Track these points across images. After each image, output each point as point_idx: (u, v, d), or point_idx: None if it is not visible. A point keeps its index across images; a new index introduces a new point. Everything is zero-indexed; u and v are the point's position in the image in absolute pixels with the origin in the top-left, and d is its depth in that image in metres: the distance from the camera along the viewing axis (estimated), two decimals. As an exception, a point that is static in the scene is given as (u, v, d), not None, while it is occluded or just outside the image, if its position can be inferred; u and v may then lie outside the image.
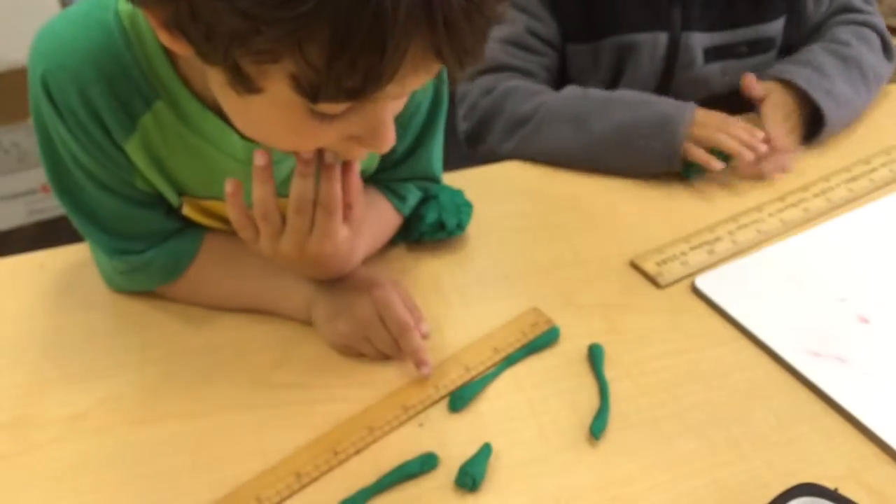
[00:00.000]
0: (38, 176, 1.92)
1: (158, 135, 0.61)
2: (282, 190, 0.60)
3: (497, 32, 0.98)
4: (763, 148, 0.86)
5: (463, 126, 0.99)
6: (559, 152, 0.91)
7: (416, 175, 0.76)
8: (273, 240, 0.62)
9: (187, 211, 0.68)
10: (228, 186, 0.59)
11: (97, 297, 0.72)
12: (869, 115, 1.02)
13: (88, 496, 0.57)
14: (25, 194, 1.93)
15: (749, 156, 0.85)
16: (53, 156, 0.62)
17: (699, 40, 0.99)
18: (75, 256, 0.76)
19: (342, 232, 0.62)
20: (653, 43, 0.98)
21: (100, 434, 0.61)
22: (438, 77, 0.71)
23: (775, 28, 1.03)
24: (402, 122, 0.69)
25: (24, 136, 1.84)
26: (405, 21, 0.41)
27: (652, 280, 0.76)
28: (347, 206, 0.61)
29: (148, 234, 0.68)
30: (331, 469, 0.59)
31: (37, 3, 1.79)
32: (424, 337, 0.66)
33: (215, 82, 0.52)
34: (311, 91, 0.44)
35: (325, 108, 0.48)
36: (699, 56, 1.00)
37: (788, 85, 0.94)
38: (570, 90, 0.94)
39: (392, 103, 0.52)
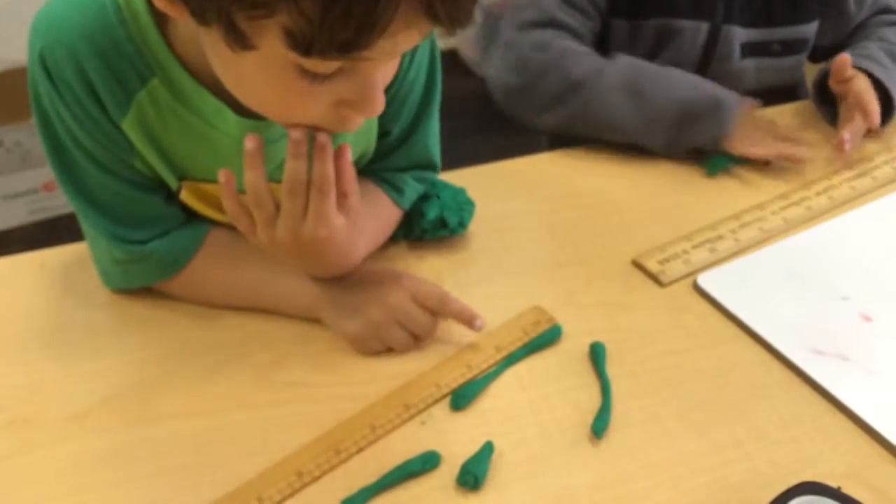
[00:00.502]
0: (39, 175, 1.92)
1: (154, 113, 0.61)
2: (276, 174, 0.60)
3: None
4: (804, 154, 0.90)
5: (509, 78, 0.95)
6: (612, 123, 0.90)
7: (413, 161, 0.76)
8: (268, 227, 0.61)
9: (186, 196, 0.68)
10: (221, 176, 0.59)
11: (98, 296, 0.72)
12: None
13: (89, 495, 0.57)
14: (27, 194, 1.93)
15: (803, 155, 0.90)
16: (53, 137, 0.62)
17: (738, 35, 1.00)
18: (76, 256, 0.76)
19: (338, 219, 0.62)
20: (694, 31, 0.98)
21: (101, 433, 0.61)
22: (431, 54, 0.71)
23: (809, 30, 1.04)
24: (397, 101, 0.70)
25: (26, 136, 1.84)
26: None
27: (654, 278, 0.76)
28: (342, 195, 0.61)
29: (149, 221, 0.67)
30: (332, 468, 0.58)
31: (38, 4, 1.79)
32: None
33: (209, 45, 0.53)
34: (305, 44, 0.45)
35: (317, 65, 0.49)
36: (736, 50, 1.00)
37: (866, 74, 0.95)
38: (624, 60, 0.93)
39: (382, 67, 0.53)
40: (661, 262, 0.77)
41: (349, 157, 0.60)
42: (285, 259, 0.66)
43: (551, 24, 0.95)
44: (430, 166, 0.78)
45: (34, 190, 1.94)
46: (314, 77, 0.50)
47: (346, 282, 0.68)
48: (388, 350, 0.67)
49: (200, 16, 0.48)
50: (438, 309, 0.67)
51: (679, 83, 0.91)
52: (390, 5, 0.43)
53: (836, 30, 1.06)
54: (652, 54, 1.00)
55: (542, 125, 0.95)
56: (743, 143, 0.89)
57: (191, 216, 0.70)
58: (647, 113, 0.89)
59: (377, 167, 0.75)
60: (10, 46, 1.78)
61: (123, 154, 0.63)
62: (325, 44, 0.45)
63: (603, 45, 1.01)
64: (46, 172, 1.93)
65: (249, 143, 0.57)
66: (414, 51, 0.68)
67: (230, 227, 0.69)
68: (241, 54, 0.48)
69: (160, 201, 0.67)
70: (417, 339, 0.68)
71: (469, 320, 0.66)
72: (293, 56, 0.47)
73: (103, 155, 0.62)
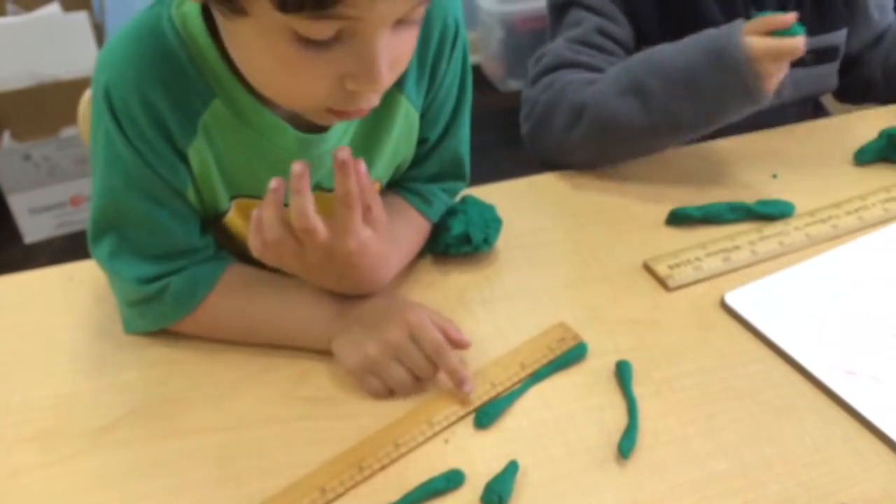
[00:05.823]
0: (67, 189, 1.95)
1: (217, 132, 0.62)
2: (327, 181, 0.62)
3: (567, 33, 0.96)
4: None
5: (525, 128, 0.95)
6: (629, 129, 0.87)
7: (444, 166, 0.77)
8: (311, 251, 0.61)
9: (233, 218, 0.68)
10: (272, 183, 0.58)
11: (125, 310, 0.73)
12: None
13: (114, 509, 0.57)
14: (54, 207, 1.96)
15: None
16: (107, 176, 0.63)
17: None
18: (104, 269, 0.77)
19: (365, 230, 0.62)
20: None
21: (126, 447, 0.61)
22: (464, 59, 0.72)
23: (839, 37, 1.04)
24: (435, 108, 0.72)
25: (54, 150, 1.87)
26: None
27: (661, 282, 0.76)
28: (366, 208, 0.61)
29: (177, 255, 0.67)
30: (356, 485, 0.58)
31: (68, 20, 1.82)
32: (466, 346, 0.65)
33: (224, 32, 0.55)
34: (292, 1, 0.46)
35: (309, 29, 0.49)
36: None
37: None
38: (612, 69, 0.90)
39: (383, 38, 0.51)
40: (671, 267, 0.77)
41: (364, 170, 0.59)
42: (320, 282, 0.66)
43: (562, 65, 0.94)
44: (460, 172, 0.79)
45: (62, 204, 1.97)
46: (308, 44, 0.50)
47: (356, 312, 0.67)
48: (389, 392, 0.65)
49: None
50: (434, 358, 0.64)
51: (666, 56, 0.85)
52: None
53: (860, 37, 1.07)
54: None
55: (568, 160, 0.93)
56: (769, 80, 0.80)
57: (218, 249, 0.71)
58: (654, 100, 0.85)
59: (410, 175, 0.76)
60: (40, 62, 1.81)
61: (180, 185, 0.64)
62: None
63: None
64: (74, 186, 1.96)
65: (297, 167, 0.56)
66: (450, 59, 0.70)
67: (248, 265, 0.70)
68: (240, 23, 0.50)
69: (196, 233, 0.68)
70: (418, 380, 0.65)
71: (459, 382, 0.63)
72: (283, 18, 0.47)
73: (158, 187, 0.63)
